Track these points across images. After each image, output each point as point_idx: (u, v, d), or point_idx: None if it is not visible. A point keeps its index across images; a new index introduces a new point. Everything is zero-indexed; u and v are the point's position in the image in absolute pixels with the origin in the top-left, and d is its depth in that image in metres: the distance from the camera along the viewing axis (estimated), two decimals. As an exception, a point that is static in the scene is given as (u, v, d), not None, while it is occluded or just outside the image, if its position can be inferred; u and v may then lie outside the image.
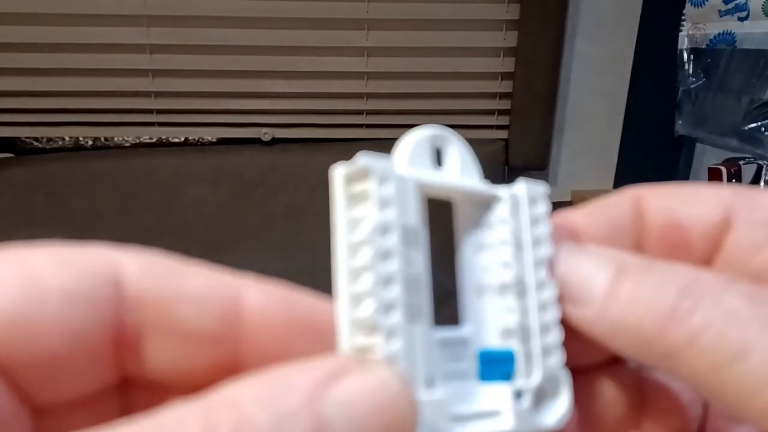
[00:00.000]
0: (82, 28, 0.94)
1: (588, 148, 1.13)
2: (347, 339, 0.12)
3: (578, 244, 0.15)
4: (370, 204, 0.12)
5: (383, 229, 0.12)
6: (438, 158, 0.14)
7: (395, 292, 0.12)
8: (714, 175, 0.94)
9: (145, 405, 0.12)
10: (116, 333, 0.11)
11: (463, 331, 0.14)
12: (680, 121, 0.94)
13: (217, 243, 0.99)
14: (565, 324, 0.14)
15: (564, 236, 0.15)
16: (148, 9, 0.93)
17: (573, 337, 0.14)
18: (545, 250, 0.14)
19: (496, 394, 0.14)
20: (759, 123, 0.82)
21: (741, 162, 0.96)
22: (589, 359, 0.16)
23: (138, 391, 0.12)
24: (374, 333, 0.11)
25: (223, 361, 0.12)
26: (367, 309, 0.12)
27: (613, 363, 0.16)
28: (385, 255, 0.12)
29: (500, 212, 0.15)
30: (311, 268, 1.03)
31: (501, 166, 1.04)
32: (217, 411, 0.09)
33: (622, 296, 0.13)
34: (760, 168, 0.98)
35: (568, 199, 1.14)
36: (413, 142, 0.14)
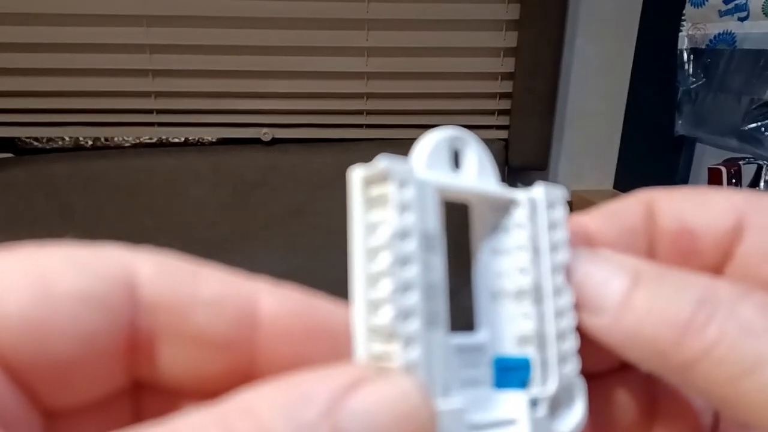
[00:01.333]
0: (82, 28, 0.94)
1: (588, 148, 1.13)
2: (364, 346, 0.11)
3: (593, 250, 0.15)
4: (389, 208, 0.12)
5: (403, 235, 0.12)
6: (456, 160, 0.14)
7: (414, 298, 0.12)
8: (714, 176, 0.94)
9: (158, 410, 0.12)
10: (129, 337, 0.11)
11: (479, 337, 0.14)
12: (680, 121, 0.94)
13: (217, 243, 0.99)
14: (580, 330, 0.14)
15: (578, 241, 0.15)
16: (148, 9, 0.93)
17: (586, 343, 0.14)
18: (562, 256, 0.14)
19: (511, 402, 0.13)
20: (759, 123, 0.82)
21: (741, 162, 0.96)
22: (602, 366, 0.16)
23: (150, 395, 0.12)
24: (392, 340, 0.11)
25: (237, 367, 0.12)
26: (386, 316, 0.11)
27: (624, 368, 0.16)
28: (404, 261, 0.12)
29: (518, 216, 0.14)
30: (311, 268, 1.03)
31: (501, 166, 1.04)
32: (234, 419, 0.09)
33: (638, 305, 0.13)
34: (760, 168, 0.98)
35: (569, 199, 1.14)
36: (432, 143, 0.13)
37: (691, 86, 0.92)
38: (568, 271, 0.14)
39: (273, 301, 0.12)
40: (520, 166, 1.06)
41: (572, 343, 0.14)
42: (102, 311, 0.10)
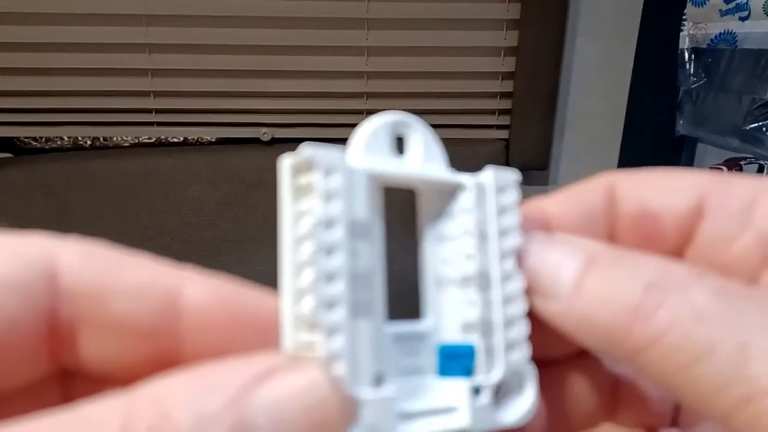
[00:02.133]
0: (80, 27, 0.93)
1: (589, 148, 1.13)
2: (290, 335, 0.11)
3: (548, 234, 0.14)
4: (314, 197, 0.12)
5: (327, 224, 0.12)
6: (400, 146, 0.14)
7: (339, 288, 0.11)
8: (715, 175, 0.94)
9: (86, 396, 0.12)
10: (50, 323, 0.11)
11: (423, 325, 0.14)
12: (681, 121, 0.94)
13: (216, 243, 0.99)
14: (535, 316, 0.14)
15: (534, 225, 0.15)
16: (147, 8, 0.93)
17: (544, 329, 0.14)
18: (513, 241, 0.14)
19: (452, 390, 0.13)
20: (760, 123, 0.82)
21: (742, 162, 0.95)
22: (561, 351, 0.15)
23: (80, 383, 0.12)
24: (315, 330, 0.11)
25: (161, 355, 0.12)
26: (308, 305, 0.11)
27: (584, 354, 0.16)
28: (328, 250, 0.11)
29: (464, 201, 0.14)
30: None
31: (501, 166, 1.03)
32: (139, 407, 0.09)
33: (590, 290, 0.13)
34: (761, 168, 0.98)
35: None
36: (371, 129, 0.13)
37: (692, 86, 0.91)
38: (521, 256, 0.14)
39: (198, 290, 0.12)
40: (520, 165, 1.06)
41: (522, 329, 0.14)
42: (21, 297, 0.10)
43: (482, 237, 0.14)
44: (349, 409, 0.11)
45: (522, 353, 0.14)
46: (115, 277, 0.11)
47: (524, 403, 0.14)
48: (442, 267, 0.14)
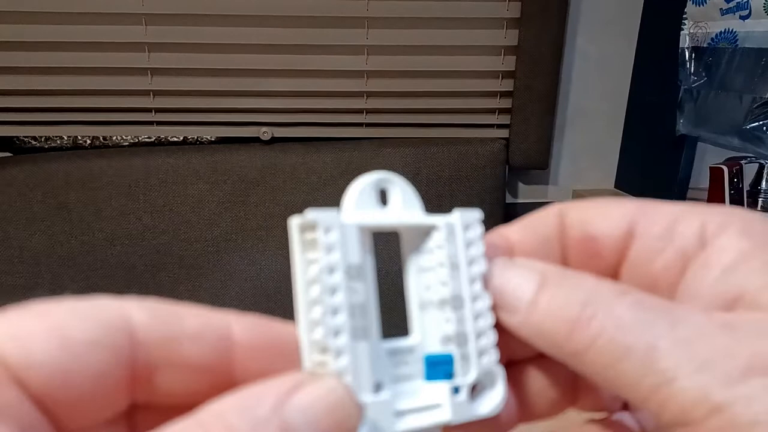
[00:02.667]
0: (80, 26, 0.93)
1: (589, 147, 1.13)
2: (308, 356, 0.15)
3: (509, 259, 0.18)
4: (318, 250, 0.15)
5: (329, 270, 0.15)
6: (384, 197, 0.17)
7: (342, 319, 0.15)
8: (715, 175, 0.94)
9: (149, 424, 0.14)
10: (131, 370, 0.13)
11: (411, 340, 0.17)
12: (682, 120, 0.94)
13: (216, 242, 0.99)
14: (503, 327, 0.17)
15: (500, 251, 0.18)
16: (147, 7, 0.93)
17: (510, 336, 0.17)
18: (479, 267, 0.17)
19: (436, 391, 0.16)
20: (761, 122, 0.81)
21: (743, 161, 0.95)
22: (526, 353, 0.19)
23: (143, 412, 0.15)
24: (326, 352, 0.14)
25: (218, 384, 0.14)
26: (319, 334, 0.14)
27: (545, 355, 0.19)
28: (332, 290, 0.15)
29: (437, 239, 0.17)
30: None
31: (502, 166, 1.03)
32: (208, 422, 0.12)
33: (541, 305, 0.16)
34: (761, 167, 0.97)
35: (569, 199, 1.14)
36: (359, 188, 0.17)
37: (693, 85, 0.91)
38: (489, 278, 0.17)
39: (242, 327, 0.15)
40: (520, 165, 1.06)
41: (490, 338, 0.17)
42: (109, 354, 0.13)
43: (453, 266, 0.17)
44: (359, 409, 0.14)
45: (491, 357, 0.17)
46: (178, 325, 0.14)
47: (495, 397, 0.17)
48: (424, 292, 0.17)
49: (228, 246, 0.99)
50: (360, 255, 0.15)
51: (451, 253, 0.17)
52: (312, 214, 0.15)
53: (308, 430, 0.13)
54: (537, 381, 0.19)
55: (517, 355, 0.19)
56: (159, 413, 0.14)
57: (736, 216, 0.16)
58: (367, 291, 0.15)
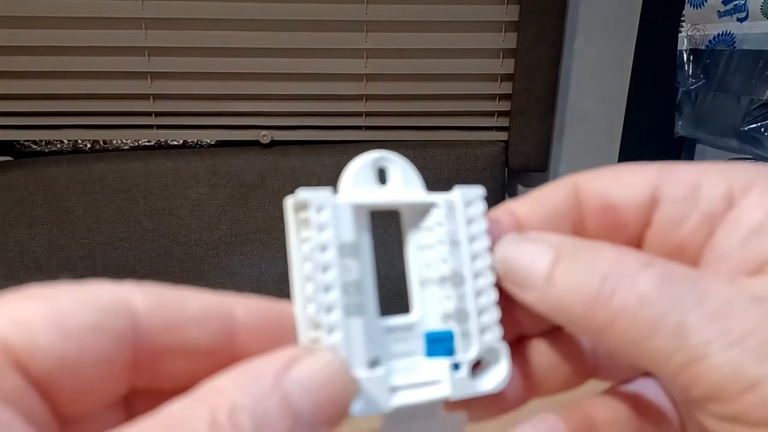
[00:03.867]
0: (80, 31, 0.94)
1: (588, 150, 1.13)
2: (303, 333, 0.15)
3: (520, 234, 0.17)
4: (310, 228, 0.15)
5: (321, 248, 0.15)
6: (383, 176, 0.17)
7: (334, 296, 0.15)
8: (714, 176, 0.94)
9: (150, 407, 0.14)
10: (133, 355, 0.13)
11: (411, 317, 0.17)
12: (680, 122, 0.94)
13: (216, 245, 0.99)
14: (514, 302, 0.17)
15: (507, 226, 0.17)
16: (146, 12, 0.93)
17: (519, 313, 0.17)
18: (481, 244, 0.17)
19: (436, 367, 0.16)
20: (759, 123, 0.82)
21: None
22: (535, 329, 0.18)
23: (142, 396, 0.15)
24: (319, 328, 0.15)
25: (221, 366, 0.14)
26: (311, 310, 0.15)
27: (558, 329, 0.18)
28: (323, 268, 0.15)
29: (437, 216, 0.17)
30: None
31: (501, 168, 1.03)
32: (211, 399, 0.12)
33: (558, 281, 0.15)
34: (760, 169, 0.98)
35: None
36: (356, 167, 0.17)
37: (691, 87, 0.91)
38: (498, 254, 0.17)
39: (244, 309, 0.15)
40: (520, 167, 1.06)
41: (493, 315, 0.17)
42: (111, 339, 0.13)
43: (454, 244, 0.17)
44: (354, 382, 0.14)
45: (494, 334, 0.17)
46: (180, 310, 0.14)
47: (499, 373, 0.17)
48: (424, 270, 0.17)
49: (228, 249, 0.99)
50: (354, 233, 0.16)
51: (452, 230, 0.17)
52: (303, 194, 0.15)
53: (307, 401, 0.13)
54: (550, 356, 0.18)
55: (529, 330, 0.18)
56: (160, 397, 0.14)
57: (763, 173, 0.16)
58: (363, 269, 0.16)
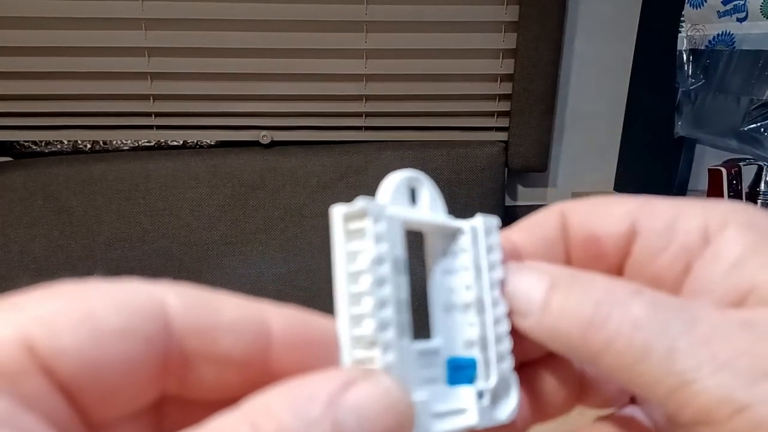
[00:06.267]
0: (80, 31, 0.94)
1: (588, 150, 1.13)
2: (348, 352, 0.14)
3: (519, 263, 0.18)
4: (367, 239, 0.14)
5: (379, 261, 0.14)
6: (412, 196, 0.17)
7: (389, 312, 0.14)
8: (714, 177, 0.94)
9: (178, 415, 0.14)
10: (163, 361, 0.13)
11: (434, 343, 0.17)
12: (680, 122, 0.94)
13: (216, 245, 0.99)
14: (515, 328, 0.17)
15: (507, 255, 0.18)
16: (146, 12, 0.93)
17: (521, 339, 0.17)
18: (498, 273, 0.17)
19: (462, 395, 0.16)
20: (758, 124, 0.82)
21: (741, 163, 0.96)
22: (534, 355, 0.19)
23: (171, 403, 0.14)
24: (373, 347, 0.14)
25: (252, 378, 0.14)
26: (369, 327, 0.14)
27: (553, 354, 0.19)
28: (380, 282, 0.14)
29: (463, 242, 0.17)
30: (309, 270, 1.02)
31: (501, 168, 1.03)
32: (257, 418, 0.12)
33: (554, 308, 0.16)
34: (760, 169, 0.98)
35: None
36: (394, 183, 0.16)
37: (691, 87, 0.91)
38: (502, 284, 0.17)
39: (280, 320, 0.14)
40: (520, 168, 1.06)
41: (507, 345, 0.17)
42: (142, 344, 0.12)
43: (477, 271, 0.17)
44: (412, 411, 0.13)
45: (508, 363, 0.17)
46: (215, 316, 0.13)
47: (511, 403, 0.17)
48: (449, 295, 0.17)
49: (228, 249, 0.99)
50: (403, 249, 0.15)
51: (475, 257, 0.17)
52: (362, 203, 0.14)
53: (360, 431, 0.12)
54: (547, 381, 0.19)
55: (527, 357, 0.19)
56: (190, 406, 0.14)
57: (738, 210, 0.16)
58: (407, 288, 0.15)
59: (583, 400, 0.19)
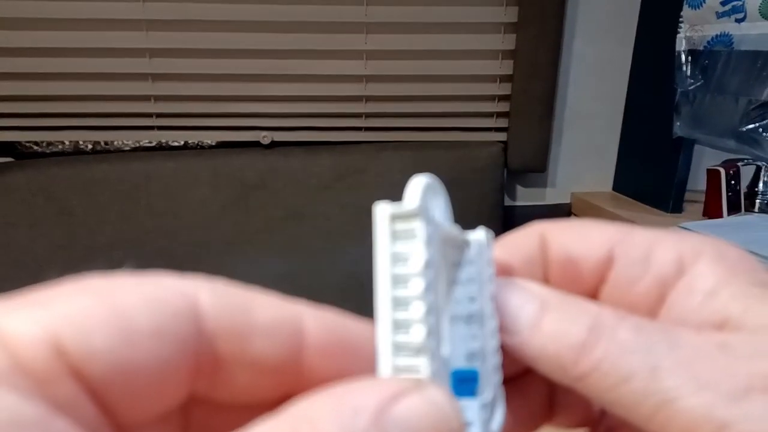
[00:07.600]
0: (81, 32, 0.94)
1: (587, 150, 1.13)
2: (389, 360, 0.13)
3: (508, 279, 0.18)
4: (418, 242, 0.13)
5: (429, 265, 0.13)
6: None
7: (434, 320, 0.14)
8: (712, 177, 0.95)
9: (205, 419, 0.14)
10: (195, 363, 0.12)
11: (444, 353, 0.17)
12: (678, 123, 0.95)
13: (217, 246, 0.99)
14: (501, 346, 0.17)
15: (498, 270, 0.18)
16: (148, 13, 0.94)
17: (506, 353, 0.18)
18: (493, 287, 0.17)
19: (466, 408, 0.16)
20: (757, 124, 0.82)
21: (740, 163, 0.96)
22: (511, 372, 0.19)
23: (198, 405, 0.14)
24: (421, 355, 0.13)
25: (285, 382, 0.13)
26: (419, 334, 0.13)
27: (525, 373, 0.19)
28: (431, 287, 0.13)
29: (470, 254, 0.17)
30: (311, 270, 1.03)
31: (500, 169, 1.04)
32: (301, 428, 0.11)
33: (544, 329, 0.16)
34: (758, 169, 0.98)
35: (567, 201, 1.14)
36: (421, 188, 0.15)
37: (689, 88, 0.92)
38: (494, 298, 0.17)
39: (315, 323, 0.14)
40: (519, 168, 1.07)
41: (499, 359, 0.17)
42: (174, 344, 0.12)
43: (480, 284, 0.17)
44: (462, 425, 0.13)
45: (499, 377, 0.17)
46: (249, 317, 0.13)
47: (500, 416, 0.17)
48: (454, 306, 0.17)
49: (229, 249, 1.00)
50: (440, 254, 0.15)
51: (480, 270, 0.17)
52: (413, 203, 0.14)
53: None
54: (514, 400, 0.19)
55: (513, 370, 0.19)
56: (218, 408, 0.14)
57: (709, 243, 0.17)
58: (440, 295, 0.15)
59: (551, 419, 0.20)
